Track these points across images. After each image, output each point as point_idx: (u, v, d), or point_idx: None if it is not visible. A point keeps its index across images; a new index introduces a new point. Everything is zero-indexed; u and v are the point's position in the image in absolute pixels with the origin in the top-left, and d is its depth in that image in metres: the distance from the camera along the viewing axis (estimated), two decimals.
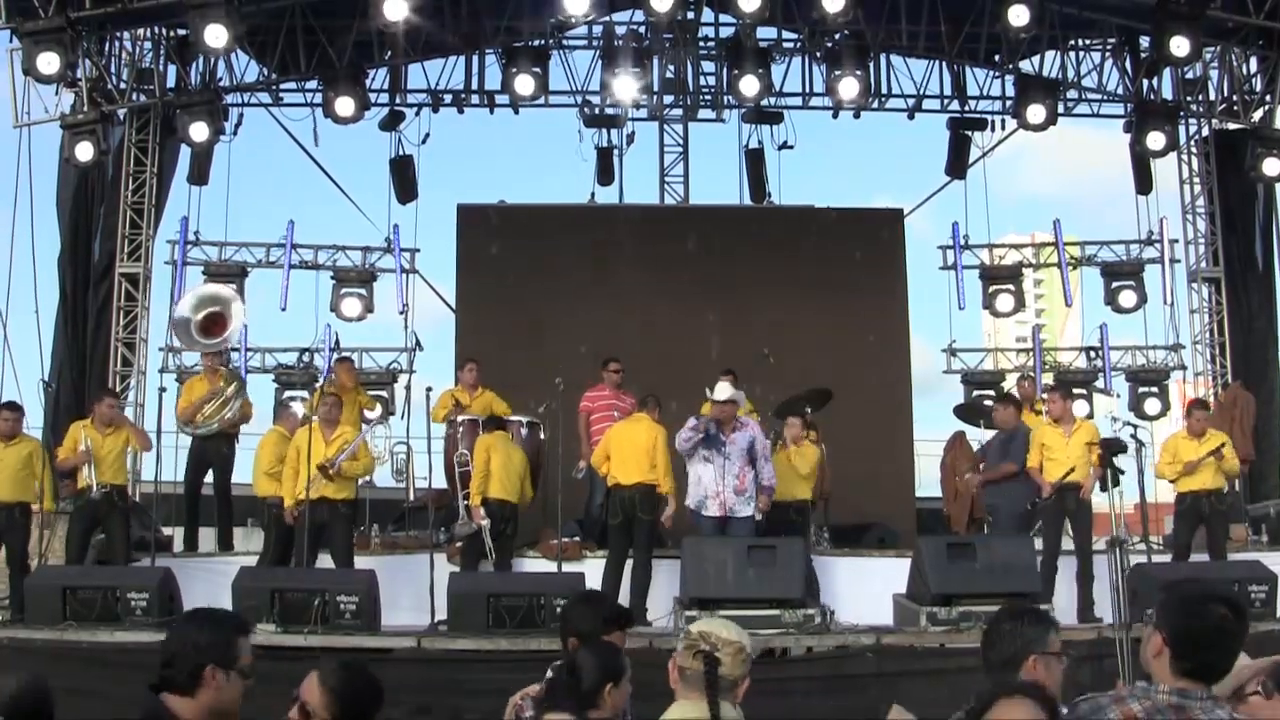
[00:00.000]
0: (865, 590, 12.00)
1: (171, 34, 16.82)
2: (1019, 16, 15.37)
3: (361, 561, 11.87)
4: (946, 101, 18.63)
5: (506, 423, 12.73)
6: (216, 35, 14.48)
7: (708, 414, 11.59)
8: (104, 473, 11.83)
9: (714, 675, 3.95)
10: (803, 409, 13.39)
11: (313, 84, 17.67)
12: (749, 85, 16.96)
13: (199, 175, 17.46)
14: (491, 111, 18.55)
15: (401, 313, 18.03)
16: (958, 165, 18.64)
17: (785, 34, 18.57)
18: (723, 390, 11.52)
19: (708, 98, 19.00)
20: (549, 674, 5.06)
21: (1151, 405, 17.96)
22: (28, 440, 11.98)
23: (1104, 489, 14.26)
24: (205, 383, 13.53)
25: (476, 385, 13.76)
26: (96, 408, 12.25)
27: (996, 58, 18.07)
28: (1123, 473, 11.32)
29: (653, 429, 11.82)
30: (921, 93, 18.51)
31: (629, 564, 11.63)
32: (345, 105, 16.66)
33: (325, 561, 11.72)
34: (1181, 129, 18.20)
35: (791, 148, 18.71)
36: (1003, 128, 18.49)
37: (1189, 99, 18.05)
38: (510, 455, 12.18)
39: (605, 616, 5.35)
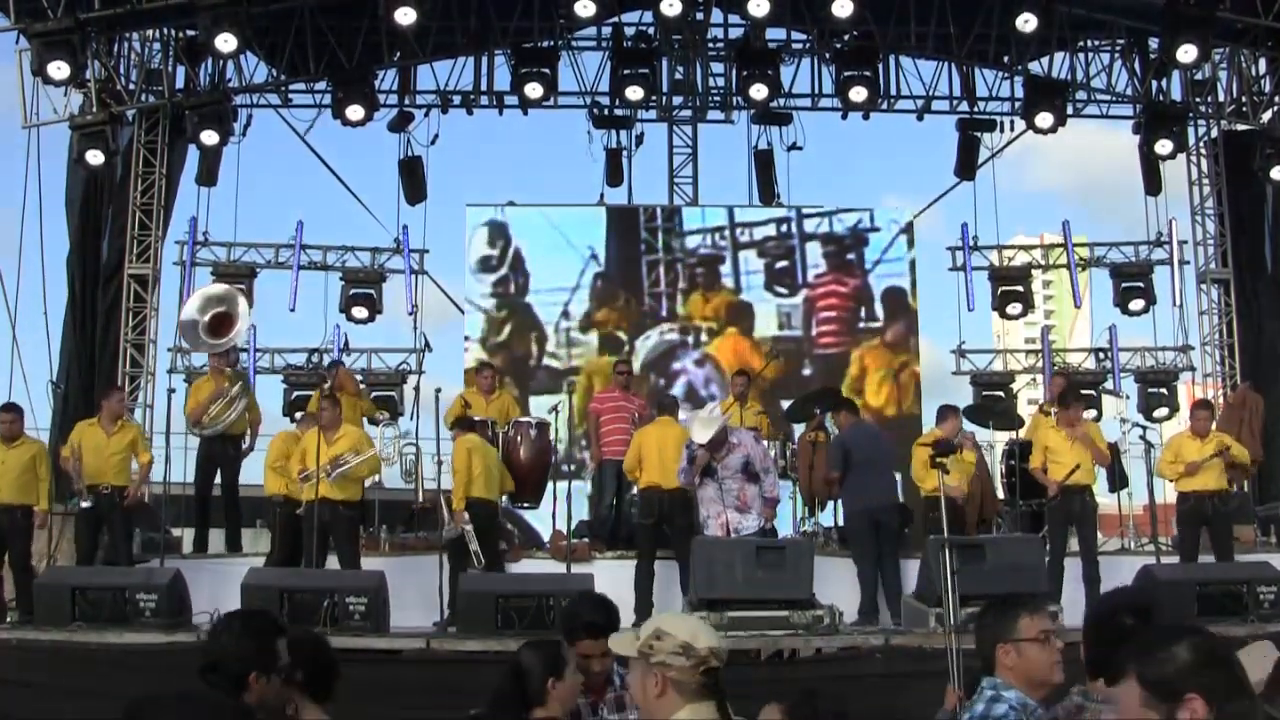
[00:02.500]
0: None
1: (180, 35, 16.84)
2: (1027, 23, 15.35)
3: (370, 563, 11.85)
4: (955, 103, 18.62)
5: (476, 423, 12.74)
6: (225, 39, 14.50)
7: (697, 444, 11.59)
8: (106, 473, 11.85)
9: (718, 683, 3.94)
10: (813, 409, 13.38)
11: (322, 85, 17.72)
12: (758, 88, 16.97)
13: (208, 176, 17.46)
14: (500, 112, 18.56)
15: (411, 313, 18.06)
16: (967, 167, 18.60)
17: (794, 35, 18.59)
18: (700, 432, 11.40)
19: (717, 99, 19.02)
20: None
21: (1160, 407, 17.93)
22: (31, 443, 11.97)
23: (1111, 490, 14.32)
24: (211, 383, 13.46)
25: (493, 389, 13.75)
26: (104, 404, 12.28)
27: (1005, 59, 18.05)
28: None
29: (684, 433, 11.89)
30: (930, 94, 18.51)
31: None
32: (355, 111, 16.72)
33: (335, 562, 11.74)
34: (1191, 130, 18.22)
35: (800, 149, 18.72)
36: (1011, 129, 18.46)
37: (1198, 100, 18.03)
38: (489, 454, 12.20)
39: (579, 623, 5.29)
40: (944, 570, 9.12)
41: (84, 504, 11.75)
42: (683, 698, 3.89)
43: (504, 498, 12.73)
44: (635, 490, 12.60)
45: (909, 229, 18.98)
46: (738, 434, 11.78)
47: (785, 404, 15.32)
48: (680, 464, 11.56)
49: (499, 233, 18.60)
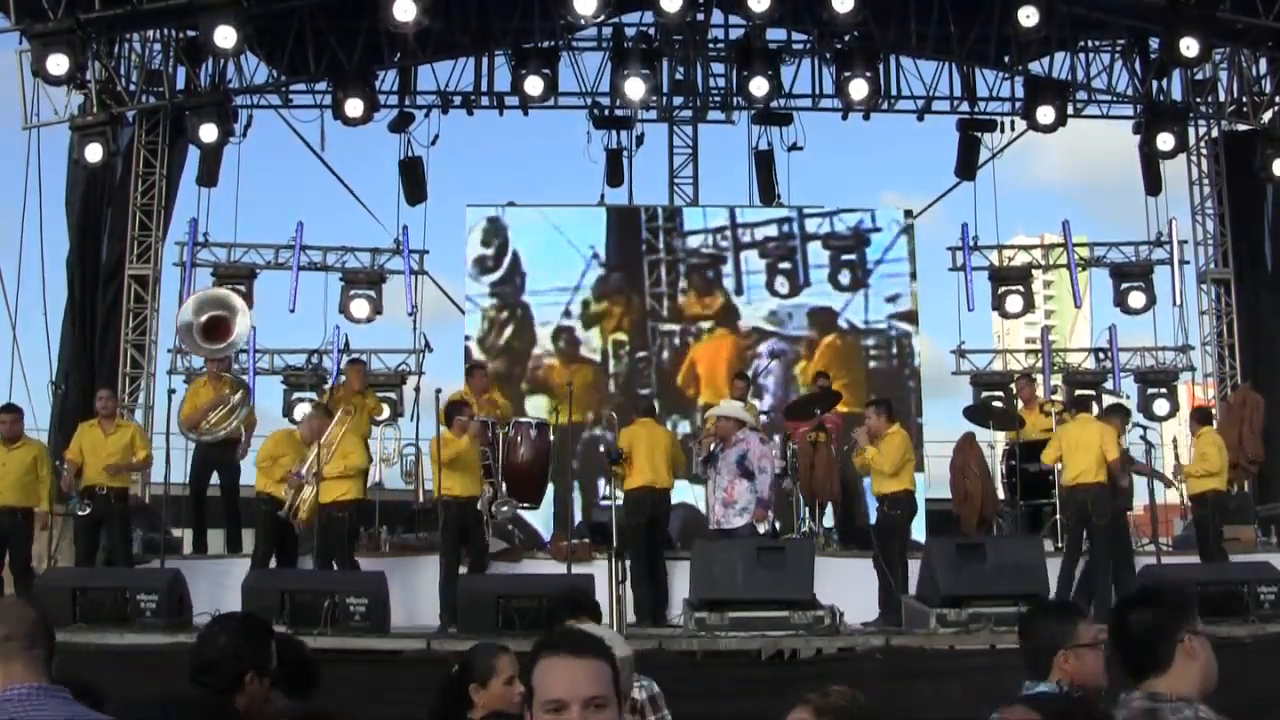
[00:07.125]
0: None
1: (181, 35, 16.82)
2: (1029, 17, 15.33)
3: (370, 563, 11.86)
4: (956, 103, 18.61)
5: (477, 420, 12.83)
6: (226, 36, 14.50)
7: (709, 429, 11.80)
8: (104, 474, 11.87)
9: None
10: (813, 409, 13.39)
11: (322, 85, 17.71)
12: (758, 86, 16.97)
13: (208, 177, 17.45)
14: (501, 113, 18.58)
15: (411, 314, 18.04)
16: (967, 167, 18.60)
17: (795, 35, 18.60)
18: (719, 406, 11.65)
19: (717, 99, 19.01)
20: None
21: (1160, 406, 17.91)
22: (32, 444, 12.01)
23: None
24: (210, 389, 13.33)
25: (486, 390, 13.69)
26: (96, 407, 12.33)
27: (1006, 59, 18.05)
28: None
29: (669, 433, 11.96)
30: (931, 94, 18.50)
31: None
32: (355, 106, 16.72)
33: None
34: (1191, 130, 18.21)
35: (801, 149, 18.72)
36: (1012, 129, 18.46)
37: (1198, 100, 18.02)
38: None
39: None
40: None
41: (81, 511, 11.78)
42: None
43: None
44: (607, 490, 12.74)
45: (910, 229, 18.95)
46: (743, 434, 11.87)
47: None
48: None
49: (499, 233, 18.56)
